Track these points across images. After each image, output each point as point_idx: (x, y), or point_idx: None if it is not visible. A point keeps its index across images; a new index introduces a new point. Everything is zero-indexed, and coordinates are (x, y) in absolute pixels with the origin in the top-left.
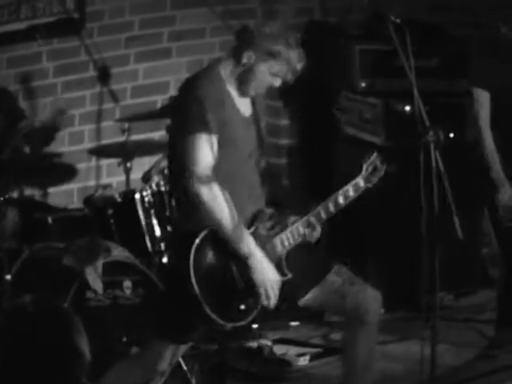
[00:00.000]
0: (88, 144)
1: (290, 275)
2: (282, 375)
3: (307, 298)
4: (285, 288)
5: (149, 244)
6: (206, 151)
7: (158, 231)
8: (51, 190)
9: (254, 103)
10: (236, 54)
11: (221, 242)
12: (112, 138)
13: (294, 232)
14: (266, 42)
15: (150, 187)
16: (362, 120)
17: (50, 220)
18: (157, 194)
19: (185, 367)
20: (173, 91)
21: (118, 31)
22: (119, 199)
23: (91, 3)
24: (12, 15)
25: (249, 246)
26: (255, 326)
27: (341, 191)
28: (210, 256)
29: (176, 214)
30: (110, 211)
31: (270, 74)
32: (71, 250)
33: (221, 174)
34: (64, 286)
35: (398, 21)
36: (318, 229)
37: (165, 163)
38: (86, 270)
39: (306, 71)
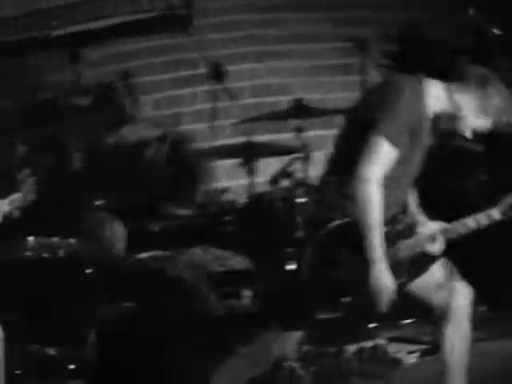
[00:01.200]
0: (201, 143)
1: (404, 279)
2: (391, 373)
3: (412, 285)
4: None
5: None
6: (382, 158)
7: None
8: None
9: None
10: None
11: (351, 235)
12: (229, 139)
13: (418, 241)
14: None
15: (278, 191)
16: None
17: (156, 227)
18: (285, 199)
19: (299, 370)
20: (296, 93)
21: (228, 29)
22: (241, 204)
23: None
24: (111, 9)
25: (378, 254)
26: (372, 325)
27: (473, 217)
28: (333, 244)
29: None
30: (229, 217)
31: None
32: (181, 259)
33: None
34: (171, 297)
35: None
36: (441, 245)
37: (294, 167)
38: (196, 280)
39: None
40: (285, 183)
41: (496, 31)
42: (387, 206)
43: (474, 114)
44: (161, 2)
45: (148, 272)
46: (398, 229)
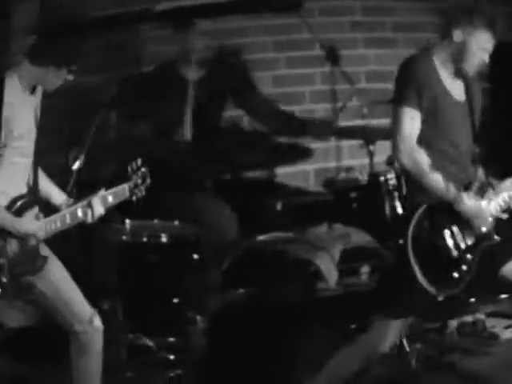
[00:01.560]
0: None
1: (496, 239)
2: (489, 348)
3: (505, 269)
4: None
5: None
6: (407, 124)
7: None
8: (281, 171)
9: (468, 89)
10: (446, 35)
11: (438, 215)
12: (349, 120)
13: (504, 200)
14: (469, 16)
15: (394, 170)
16: None
17: (278, 206)
18: (400, 177)
19: (407, 348)
20: None
21: (339, 14)
22: (364, 182)
23: None
24: None
25: (454, 193)
26: (472, 300)
27: None
28: (427, 228)
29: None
30: (353, 194)
31: (480, 48)
32: (305, 239)
33: (430, 148)
34: (291, 278)
35: None
36: None
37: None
38: (320, 259)
39: None
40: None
41: None
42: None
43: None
44: None
45: (267, 255)
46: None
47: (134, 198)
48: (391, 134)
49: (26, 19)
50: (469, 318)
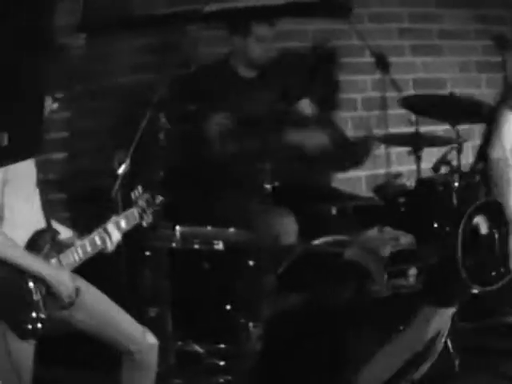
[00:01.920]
0: (375, 130)
1: None
2: None
3: None
4: None
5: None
6: (507, 131)
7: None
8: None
9: None
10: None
11: (493, 213)
12: (398, 127)
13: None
14: None
15: (439, 177)
16: None
17: (334, 210)
18: (444, 184)
19: (451, 349)
20: (450, 88)
21: (388, 21)
22: (411, 188)
23: None
24: None
25: None
26: None
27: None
28: (477, 224)
29: None
30: (402, 200)
31: None
32: (357, 242)
33: None
34: (344, 282)
35: None
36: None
37: (452, 155)
38: (370, 262)
39: None
40: (444, 170)
41: None
42: None
43: None
44: None
45: (321, 258)
46: None
47: (143, 223)
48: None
49: (68, 17)
50: (509, 319)
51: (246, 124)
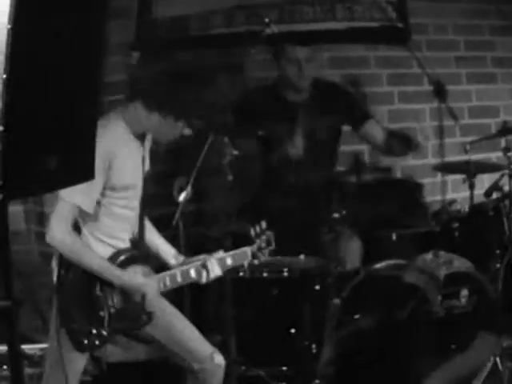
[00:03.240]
0: (432, 159)
1: None
2: None
3: None
4: None
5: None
6: None
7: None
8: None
9: None
10: None
11: None
12: (453, 155)
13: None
14: None
15: (491, 202)
16: None
17: (394, 236)
18: (496, 209)
19: (500, 367)
20: (503, 116)
21: (445, 49)
22: (465, 213)
23: (414, 15)
24: (327, 14)
25: None
26: None
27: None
28: None
29: None
30: (456, 225)
31: None
32: (414, 265)
33: None
34: (403, 303)
35: None
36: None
37: (502, 182)
38: (426, 284)
39: None
40: (496, 195)
41: None
42: None
43: None
44: (379, 13)
45: (382, 281)
46: None
47: (256, 261)
48: (489, 167)
49: (121, 36)
50: None
51: (310, 151)
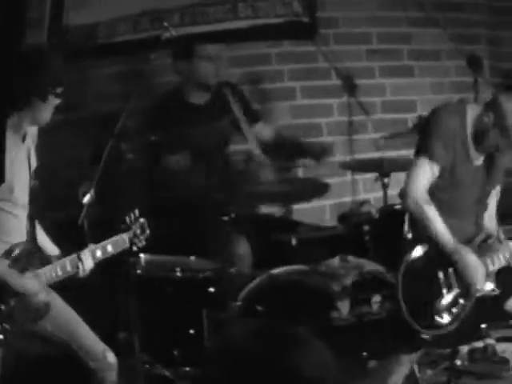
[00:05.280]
0: (340, 157)
1: (496, 291)
2: (500, 373)
3: (509, 304)
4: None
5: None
6: (422, 175)
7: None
8: (298, 206)
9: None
10: (476, 97)
11: (432, 255)
12: (364, 152)
13: (503, 256)
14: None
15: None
16: None
17: (294, 241)
18: None
19: (417, 373)
20: (420, 111)
21: (355, 42)
22: (376, 215)
23: (322, 9)
24: (228, 14)
25: (450, 241)
26: (483, 325)
27: None
28: (420, 268)
29: None
30: (366, 228)
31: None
32: (319, 271)
33: (443, 202)
34: (307, 308)
35: None
36: None
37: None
38: (333, 290)
39: None
40: None
41: None
42: (457, 226)
43: None
44: (284, 8)
45: (282, 286)
46: (481, 244)
47: (134, 247)
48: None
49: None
50: (479, 344)
51: (201, 157)
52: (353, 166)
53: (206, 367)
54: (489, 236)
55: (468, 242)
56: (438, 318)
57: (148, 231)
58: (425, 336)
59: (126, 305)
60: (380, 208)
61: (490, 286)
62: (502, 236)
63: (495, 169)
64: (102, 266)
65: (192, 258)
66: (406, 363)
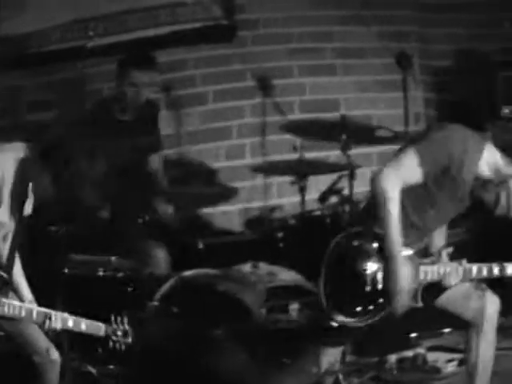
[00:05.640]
0: (250, 159)
1: (420, 305)
2: (429, 382)
3: (441, 298)
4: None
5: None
6: (405, 166)
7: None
8: (207, 210)
9: None
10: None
11: (362, 244)
12: (279, 154)
13: (439, 270)
14: None
15: (327, 208)
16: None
17: (200, 245)
18: (334, 215)
19: (343, 383)
20: (343, 110)
21: (275, 42)
22: (292, 221)
23: (241, 11)
24: (148, 21)
25: (396, 248)
26: (413, 335)
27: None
28: (346, 256)
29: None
30: (280, 234)
31: None
32: (230, 276)
33: (418, 200)
34: (220, 312)
35: None
36: (456, 280)
37: (342, 184)
38: (246, 296)
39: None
40: (333, 200)
41: None
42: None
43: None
44: (203, 12)
45: (194, 289)
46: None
47: (110, 344)
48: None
49: None
50: (409, 353)
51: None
52: (265, 168)
53: (127, 366)
54: (435, 251)
55: (415, 252)
56: (355, 310)
57: (129, 340)
58: (335, 324)
59: (53, 302)
60: (296, 214)
61: (413, 300)
62: (445, 254)
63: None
64: (30, 262)
65: (113, 258)
66: (326, 356)
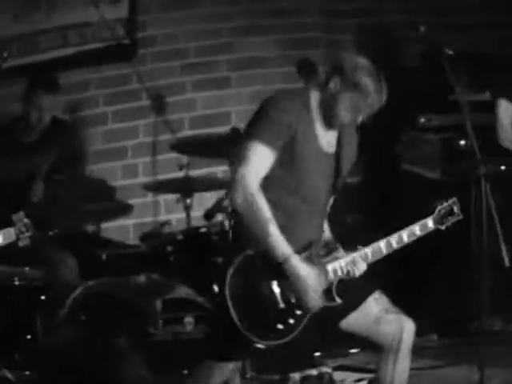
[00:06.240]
0: (143, 178)
1: (339, 301)
2: None
3: (347, 321)
4: (328, 311)
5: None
6: (254, 161)
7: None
8: (105, 225)
9: (340, 140)
10: (323, 81)
11: (259, 265)
12: (170, 173)
13: (347, 263)
14: (355, 73)
15: (213, 225)
16: (422, 156)
17: (104, 256)
18: (220, 233)
19: None
20: (235, 122)
21: (172, 58)
22: (180, 237)
23: (143, 29)
24: (58, 41)
25: (285, 247)
26: (317, 354)
27: (407, 229)
28: (248, 279)
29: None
30: (170, 248)
31: (352, 106)
32: (130, 285)
33: (282, 191)
34: (122, 321)
35: (452, 53)
36: (363, 267)
37: (228, 201)
38: (145, 306)
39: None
40: (219, 217)
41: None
42: (296, 223)
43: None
44: (108, 32)
45: (98, 296)
46: (320, 252)
47: (20, 243)
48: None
49: None
50: (313, 371)
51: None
52: (155, 187)
53: (39, 371)
54: (329, 242)
55: (306, 248)
56: (273, 328)
57: (32, 231)
58: (260, 346)
59: None
60: (183, 230)
61: (329, 299)
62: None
63: (344, 160)
64: None
65: (27, 268)
66: (219, 372)
